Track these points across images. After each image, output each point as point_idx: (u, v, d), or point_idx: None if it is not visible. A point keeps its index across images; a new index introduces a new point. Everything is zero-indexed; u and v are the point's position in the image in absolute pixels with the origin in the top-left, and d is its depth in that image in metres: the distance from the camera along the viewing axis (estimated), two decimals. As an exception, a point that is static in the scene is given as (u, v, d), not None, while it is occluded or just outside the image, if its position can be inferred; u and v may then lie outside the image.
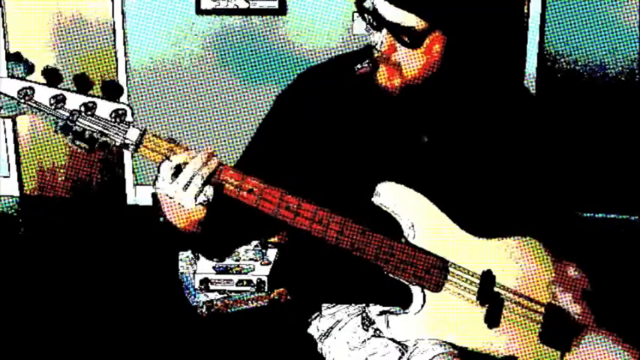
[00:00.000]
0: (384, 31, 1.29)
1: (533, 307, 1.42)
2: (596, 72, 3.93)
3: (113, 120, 1.22)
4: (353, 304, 1.48)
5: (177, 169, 1.23)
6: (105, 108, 1.21)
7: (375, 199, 1.35)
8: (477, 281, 1.38)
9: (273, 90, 1.52)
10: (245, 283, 2.98)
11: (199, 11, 4.02)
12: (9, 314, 2.86)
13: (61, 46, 4.13)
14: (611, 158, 3.92)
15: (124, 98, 1.24)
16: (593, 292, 1.43)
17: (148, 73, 4.13)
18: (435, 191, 1.37)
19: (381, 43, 1.30)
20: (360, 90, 1.40)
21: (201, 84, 4.12)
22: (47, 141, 4.32)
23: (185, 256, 3.17)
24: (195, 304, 2.92)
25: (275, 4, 3.97)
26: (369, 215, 1.33)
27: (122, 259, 3.40)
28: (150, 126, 1.26)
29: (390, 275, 1.34)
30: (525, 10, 3.91)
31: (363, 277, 1.40)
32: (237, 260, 3.09)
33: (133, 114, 1.23)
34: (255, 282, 2.98)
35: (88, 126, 1.21)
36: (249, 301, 2.96)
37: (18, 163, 4.39)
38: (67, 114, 1.20)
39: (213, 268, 3.03)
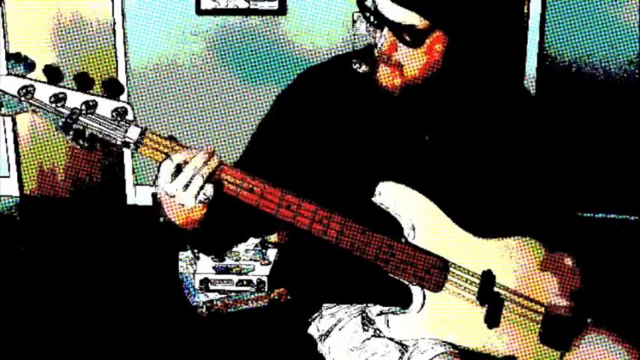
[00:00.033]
0: (385, 30, 1.29)
1: (533, 307, 1.42)
2: (596, 72, 3.93)
3: (114, 118, 1.22)
4: (353, 304, 1.48)
5: (178, 168, 1.23)
6: (105, 106, 1.21)
7: (376, 199, 1.35)
8: (477, 281, 1.38)
9: (273, 90, 1.52)
10: (245, 283, 2.98)
11: (199, 11, 4.02)
12: (9, 314, 2.86)
13: (61, 46, 4.14)
14: (610, 158, 3.92)
15: (123, 98, 1.24)
16: (582, 289, 1.42)
17: (148, 73, 4.13)
18: (436, 191, 1.37)
19: (382, 42, 1.30)
20: (360, 90, 1.40)
21: (201, 84, 4.12)
22: (47, 141, 4.32)
23: (185, 256, 3.18)
24: (195, 304, 2.92)
25: (275, 4, 3.98)
26: (369, 215, 1.33)
27: (122, 259, 3.40)
28: (150, 126, 1.26)
29: (390, 275, 1.34)
30: (525, 10, 3.91)
31: (363, 277, 1.40)
32: (237, 260, 3.09)
33: (133, 112, 1.23)
34: (255, 282, 2.98)
35: (89, 124, 1.21)
36: (249, 301, 2.96)
37: (18, 163, 4.39)
38: (68, 112, 1.20)
39: (213, 268, 3.03)
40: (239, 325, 2.85)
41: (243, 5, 3.99)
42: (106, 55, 4.15)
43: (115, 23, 4.10)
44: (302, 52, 4.00)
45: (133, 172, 4.34)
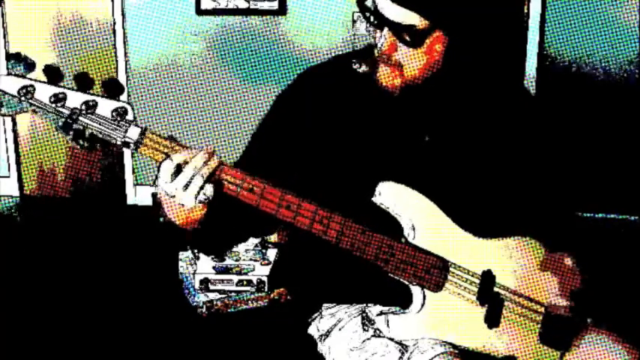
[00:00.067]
0: (385, 30, 1.29)
1: (533, 307, 1.42)
2: (596, 72, 3.93)
3: (114, 118, 1.22)
4: (353, 304, 1.48)
5: (178, 168, 1.23)
6: (105, 106, 1.21)
7: (376, 199, 1.35)
8: (477, 281, 1.38)
9: (273, 90, 1.52)
10: (245, 283, 2.98)
11: (199, 11, 4.02)
12: (9, 314, 2.86)
13: (61, 46, 4.14)
14: (610, 158, 3.92)
15: (123, 98, 1.24)
16: (582, 289, 1.42)
17: (148, 73, 4.13)
18: (436, 191, 1.37)
19: (382, 42, 1.30)
20: (360, 89, 1.40)
21: (202, 84, 4.13)
22: (47, 141, 4.32)
23: (185, 256, 3.18)
24: (195, 304, 2.92)
25: (275, 4, 3.98)
26: (369, 215, 1.33)
27: (122, 259, 3.40)
28: (150, 126, 1.26)
29: (390, 275, 1.34)
30: (525, 10, 3.91)
31: (363, 277, 1.40)
32: (237, 260, 3.09)
33: (133, 112, 1.23)
34: (255, 282, 2.98)
35: (89, 124, 1.21)
36: (249, 301, 2.96)
37: (18, 163, 4.39)
38: (68, 112, 1.20)
39: (213, 268, 3.02)
40: (239, 325, 2.85)
41: (243, 5, 3.99)
42: (106, 55, 4.15)
43: (115, 23, 4.10)
44: (302, 52, 4.00)
45: (133, 172, 4.34)
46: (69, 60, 4.05)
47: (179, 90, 4.14)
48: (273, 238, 3.23)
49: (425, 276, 1.35)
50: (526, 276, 1.42)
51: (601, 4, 3.80)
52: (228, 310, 2.92)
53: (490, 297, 1.39)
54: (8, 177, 4.40)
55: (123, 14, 4.09)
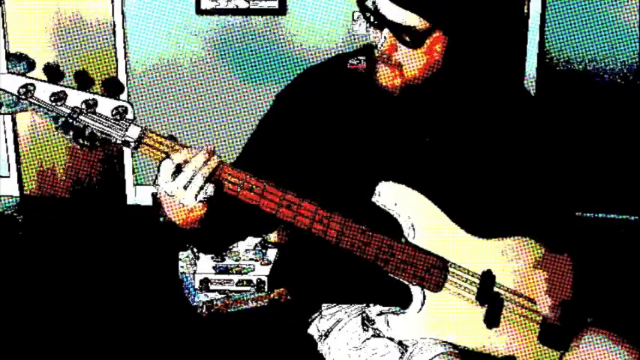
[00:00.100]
0: (386, 30, 1.29)
1: (532, 307, 1.42)
2: (596, 72, 3.93)
3: (114, 117, 1.22)
4: (353, 304, 1.48)
5: (178, 168, 1.23)
6: (106, 105, 1.21)
7: (375, 199, 1.35)
8: (477, 281, 1.38)
9: (273, 90, 1.52)
10: (245, 283, 2.98)
11: (199, 11, 4.02)
12: (9, 314, 2.86)
13: (61, 46, 4.14)
14: (610, 158, 3.92)
15: (123, 98, 1.24)
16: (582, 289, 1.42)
17: (148, 73, 4.13)
18: (436, 191, 1.37)
19: (382, 42, 1.30)
20: (360, 89, 1.40)
21: (201, 84, 4.13)
22: (47, 141, 4.32)
23: (185, 256, 3.17)
24: (195, 304, 2.92)
25: (275, 4, 3.98)
26: (369, 215, 1.33)
27: (122, 259, 3.40)
28: (150, 126, 1.26)
29: (390, 275, 1.34)
30: (525, 10, 3.91)
31: (363, 277, 1.40)
32: (237, 260, 3.09)
33: (133, 111, 1.23)
34: (255, 282, 2.98)
35: (89, 123, 1.21)
36: (249, 301, 2.95)
37: (18, 163, 4.39)
38: (68, 111, 1.20)
39: (213, 268, 3.02)
40: (239, 325, 2.85)
41: (243, 5, 3.99)
42: (106, 55, 4.15)
43: (114, 23, 4.10)
44: (302, 52, 4.00)
45: (133, 172, 4.34)
46: (69, 60, 4.05)
47: (179, 90, 4.14)
48: (273, 238, 3.23)
49: (425, 276, 1.35)
50: (526, 276, 1.42)
51: (601, 4, 3.80)
52: (228, 310, 2.92)
53: (490, 297, 1.39)
54: (8, 177, 4.40)
55: (123, 14, 4.09)
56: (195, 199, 1.23)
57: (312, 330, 1.52)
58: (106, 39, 4.14)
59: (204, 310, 2.89)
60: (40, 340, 2.68)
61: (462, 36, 1.32)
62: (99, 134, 1.22)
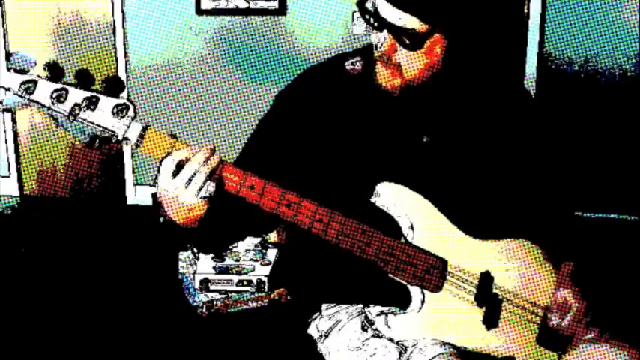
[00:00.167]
0: (385, 31, 1.29)
1: (531, 308, 1.42)
2: (596, 72, 3.93)
3: (115, 115, 1.22)
4: (353, 305, 1.48)
5: (179, 166, 1.23)
6: (107, 103, 1.21)
7: (375, 200, 1.35)
8: (476, 282, 1.38)
9: (273, 90, 1.52)
10: (245, 283, 2.98)
11: (199, 11, 4.02)
12: (9, 314, 2.86)
13: (61, 46, 4.13)
14: (610, 158, 3.92)
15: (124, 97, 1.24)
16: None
17: (148, 73, 4.13)
18: (435, 192, 1.38)
19: (382, 43, 1.30)
20: (360, 90, 1.40)
21: (202, 84, 4.13)
22: (47, 141, 4.32)
23: (185, 256, 3.17)
24: (195, 304, 2.92)
25: (275, 4, 3.97)
26: (368, 215, 1.33)
27: (122, 259, 3.40)
28: (150, 125, 1.26)
29: (390, 275, 1.34)
30: (525, 10, 3.91)
31: (363, 277, 1.41)
32: (237, 260, 3.09)
33: (134, 109, 1.23)
34: (255, 282, 2.98)
35: (90, 120, 1.21)
36: (249, 301, 2.96)
37: (18, 163, 4.39)
38: (69, 108, 1.20)
39: (213, 268, 3.03)
40: (239, 325, 2.85)
41: (243, 5, 3.99)
42: (106, 54, 4.15)
43: (114, 23, 4.10)
44: (302, 52, 4.00)
45: (133, 172, 4.34)
46: (69, 60, 4.05)
47: (179, 90, 4.14)
48: (273, 238, 3.23)
49: (425, 276, 1.35)
50: (525, 278, 1.43)
51: (601, 4, 3.80)
52: (228, 310, 2.92)
53: (488, 298, 1.39)
54: (8, 177, 4.40)
55: (123, 14, 4.09)
56: (196, 198, 1.23)
57: (311, 330, 1.52)
58: (106, 39, 4.14)
59: (204, 310, 2.89)
60: (40, 340, 2.68)
61: (461, 38, 1.32)
62: (100, 132, 1.22)
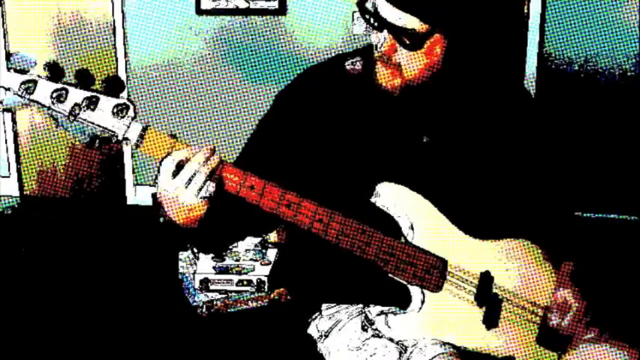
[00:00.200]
0: (385, 31, 1.29)
1: (531, 308, 1.42)
2: (596, 72, 3.93)
3: (115, 115, 1.22)
4: (353, 305, 1.48)
5: (179, 166, 1.23)
6: (107, 103, 1.21)
7: (375, 200, 1.35)
8: (476, 282, 1.38)
9: (273, 90, 1.52)
10: (245, 283, 2.98)
11: (199, 11, 4.02)
12: (9, 314, 2.86)
13: (61, 46, 4.13)
14: (610, 158, 3.92)
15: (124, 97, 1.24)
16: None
17: (148, 73, 4.13)
18: (435, 192, 1.38)
19: (382, 43, 1.30)
20: (360, 90, 1.40)
21: (201, 84, 4.13)
22: (47, 141, 4.32)
23: (185, 256, 3.17)
24: (195, 304, 2.92)
25: (275, 4, 3.97)
26: (368, 215, 1.33)
27: (122, 259, 3.40)
28: (150, 125, 1.26)
29: (390, 275, 1.34)
30: (525, 10, 3.91)
31: (363, 277, 1.41)
32: (237, 260, 3.09)
33: (134, 109, 1.23)
34: (255, 282, 2.98)
35: (90, 120, 1.21)
36: (249, 301, 2.96)
37: (18, 163, 4.39)
38: (69, 108, 1.20)
39: (213, 268, 3.02)
40: (239, 325, 2.85)
41: (243, 5, 3.99)
42: (106, 54, 4.15)
43: (115, 23, 4.10)
44: (302, 51, 4.00)
45: (133, 172, 4.34)
46: (69, 60, 4.05)
47: (179, 90, 4.14)
48: (273, 238, 3.23)
49: (425, 276, 1.35)
50: (525, 278, 1.43)
51: (601, 4, 3.80)
52: (228, 310, 2.92)
53: (488, 298, 1.39)
54: (8, 177, 4.40)
55: (123, 14, 4.09)
56: (196, 198, 1.23)
57: (311, 330, 1.52)
58: (106, 39, 4.14)
59: (204, 310, 2.89)
60: (41, 340, 2.68)
61: (461, 38, 1.32)
62: (100, 131, 1.22)
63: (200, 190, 1.23)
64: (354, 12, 3.86)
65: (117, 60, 4.14)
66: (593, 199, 3.73)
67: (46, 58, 1.22)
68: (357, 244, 1.31)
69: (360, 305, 1.47)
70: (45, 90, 1.19)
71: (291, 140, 1.42)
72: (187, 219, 1.26)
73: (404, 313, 1.36)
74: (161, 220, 1.30)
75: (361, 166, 1.40)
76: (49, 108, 1.20)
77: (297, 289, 1.60)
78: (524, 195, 1.50)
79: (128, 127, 1.22)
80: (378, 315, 1.37)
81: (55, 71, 1.20)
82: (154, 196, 1.32)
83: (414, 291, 1.36)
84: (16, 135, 4.35)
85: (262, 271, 3.02)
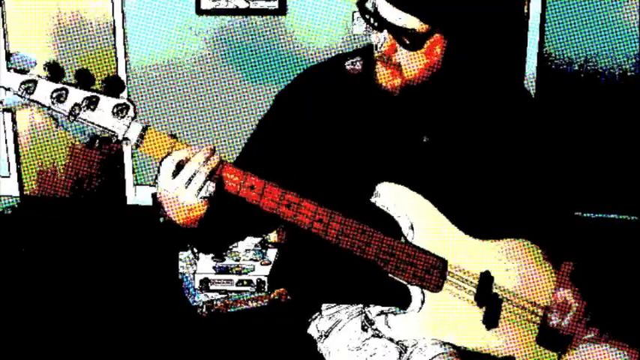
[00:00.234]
0: (385, 31, 1.29)
1: (531, 308, 1.42)
2: (596, 72, 3.93)
3: (115, 115, 1.22)
4: (353, 305, 1.48)
5: (179, 166, 1.23)
6: (107, 103, 1.21)
7: (375, 200, 1.35)
8: (476, 282, 1.38)
9: (273, 90, 1.52)
10: (245, 283, 2.98)
11: (199, 11, 4.02)
12: (9, 314, 2.86)
13: (61, 46, 4.13)
14: (610, 158, 3.92)
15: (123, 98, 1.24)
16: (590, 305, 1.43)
17: (148, 73, 4.13)
18: (435, 192, 1.38)
19: (382, 43, 1.30)
20: (360, 90, 1.40)
21: (202, 84, 4.13)
22: (47, 141, 4.32)
23: (185, 256, 3.18)
24: (195, 304, 2.92)
25: (275, 4, 3.97)
26: (368, 215, 1.33)
27: (122, 259, 3.40)
28: (150, 126, 1.26)
29: (390, 275, 1.34)
30: (525, 10, 3.91)
31: (363, 277, 1.41)
32: (237, 260, 3.09)
33: (135, 109, 1.23)
34: (255, 282, 2.98)
35: (90, 120, 1.21)
36: (249, 301, 2.96)
37: (18, 163, 4.39)
38: (69, 108, 1.20)
39: (213, 268, 3.02)
40: (239, 325, 2.85)
41: (243, 5, 3.99)
42: (106, 54, 4.15)
43: (115, 23, 4.10)
44: (302, 51, 4.00)
45: (133, 172, 4.34)
46: (69, 60, 4.05)
47: (179, 90, 4.14)
48: (273, 238, 3.23)
49: (425, 276, 1.35)
50: (525, 278, 1.43)
51: (601, 4, 3.80)
52: (228, 310, 2.92)
53: (488, 298, 1.39)
54: (8, 177, 4.40)
55: (123, 14, 4.09)
56: (196, 198, 1.23)
57: (311, 330, 1.53)
58: (106, 39, 4.14)
59: (204, 310, 2.89)
60: (41, 340, 2.68)
61: (461, 38, 1.32)
62: (100, 131, 1.22)
63: (200, 190, 1.23)
64: (354, 12, 3.86)
65: (117, 60, 4.14)
66: (593, 199, 3.73)
67: (46, 58, 1.22)
68: (357, 244, 1.31)
69: (360, 305, 1.47)
70: (45, 90, 1.19)
71: (291, 140, 1.42)
72: (187, 219, 1.26)
73: (404, 313, 1.36)
74: (161, 220, 1.30)
75: (361, 166, 1.40)
76: (49, 108, 1.20)
77: (297, 289, 1.60)
78: (524, 195, 1.50)
79: (128, 127, 1.22)
80: (378, 315, 1.37)
81: (55, 71, 1.20)
82: (154, 196, 1.32)
83: (414, 291, 1.36)
84: (16, 135, 4.35)
85: (262, 271, 3.02)
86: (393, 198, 1.35)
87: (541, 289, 1.44)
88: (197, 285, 2.97)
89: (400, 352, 1.36)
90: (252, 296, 2.96)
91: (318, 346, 1.50)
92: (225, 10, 4.01)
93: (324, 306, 1.51)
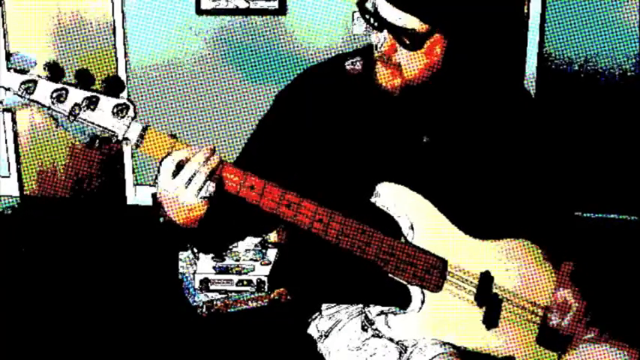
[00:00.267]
0: (385, 31, 1.29)
1: (531, 308, 1.43)
2: (596, 72, 3.93)
3: (115, 115, 1.22)
4: (353, 305, 1.48)
5: (179, 166, 1.23)
6: (107, 103, 1.21)
7: (375, 200, 1.35)
8: (476, 282, 1.38)
9: (273, 90, 1.52)
10: (245, 283, 2.98)
11: (199, 11, 4.02)
12: (9, 314, 2.86)
13: (61, 46, 4.13)
14: (610, 158, 3.92)
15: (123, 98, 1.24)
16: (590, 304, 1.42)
17: (148, 73, 4.13)
18: (435, 192, 1.38)
19: (382, 43, 1.30)
20: (360, 90, 1.40)
21: (201, 84, 4.13)
22: (47, 141, 4.32)
23: (185, 256, 3.18)
24: (195, 304, 2.92)
25: (275, 4, 3.97)
26: (368, 215, 1.33)
27: (122, 259, 3.40)
28: (150, 126, 1.26)
29: (390, 275, 1.34)
30: (525, 10, 3.91)
31: (363, 277, 1.41)
32: (237, 260, 3.09)
33: (135, 109, 1.23)
34: (255, 282, 2.98)
35: (90, 120, 1.21)
36: (249, 301, 2.96)
37: (18, 163, 4.39)
38: (69, 108, 1.20)
39: (213, 268, 3.02)
40: (239, 325, 2.85)
41: (243, 5, 3.99)
42: (106, 54, 4.15)
43: (115, 23, 4.10)
44: (302, 51, 4.00)
45: (133, 172, 4.34)
46: (69, 60, 4.05)
47: (179, 90, 4.15)
48: (273, 238, 3.23)
49: (425, 276, 1.35)
50: (525, 278, 1.43)
51: (601, 4, 3.80)
52: (228, 310, 2.92)
53: (488, 298, 1.39)
54: (8, 177, 4.40)
55: (123, 14, 4.09)
56: (196, 198, 1.23)
57: (311, 330, 1.53)
58: (106, 39, 4.14)
59: (204, 310, 2.89)
60: (41, 340, 2.68)
61: (461, 38, 1.32)
62: (100, 131, 1.22)
63: (200, 190, 1.23)
64: (354, 12, 3.86)
65: (117, 60, 4.14)
66: (593, 199, 3.73)
67: (46, 58, 1.22)
68: (357, 244, 1.31)
69: (360, 305, 1.47)
70: (45, 90, 1.19)
71: (291, 140, 1.42)
72: (187, 219, 1.26)
73: (404, 313, 1.36)
74: (161, 220, 1.30)
75: (361, 166, 1.40)
76: (49, 108, 1.20)
77: (297, 289, 1.60)
78: (524, 195, 1.50)
79: (128, 127, 1.22)
80: (378, 315, 1.37)
81: (55, 71, 1.20)
82: (154, 196, 1.32)
83: (414, 291, 1.36)
84: (16, 135, 4.35)
85: (262, 271, 3.02)
86: (393, 198, 1.35)
87: (541, 289, 1.44)
88: (197, 285, 2.97)
89: (400, 352, 1.36)
90: (252, 296, 2.96)
91: (318, 346, 1.50)
92: (225, 10, 4.01)
93: (324, 306, 1.51)
